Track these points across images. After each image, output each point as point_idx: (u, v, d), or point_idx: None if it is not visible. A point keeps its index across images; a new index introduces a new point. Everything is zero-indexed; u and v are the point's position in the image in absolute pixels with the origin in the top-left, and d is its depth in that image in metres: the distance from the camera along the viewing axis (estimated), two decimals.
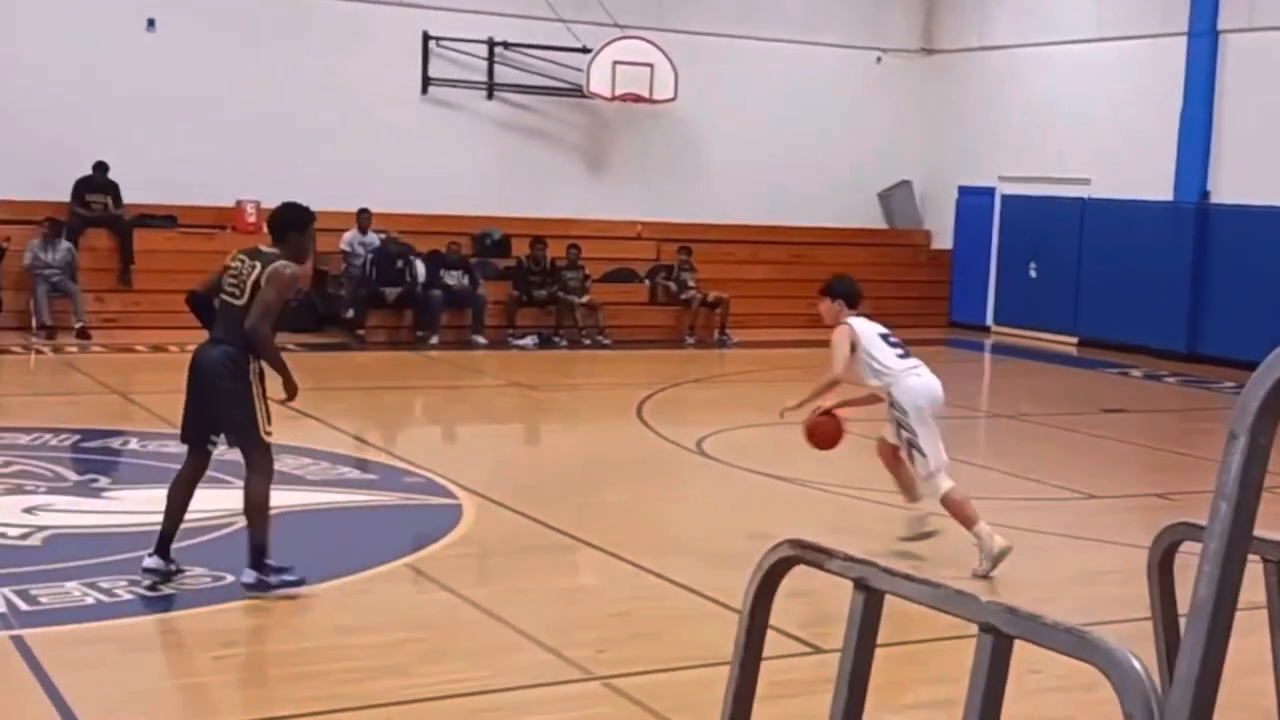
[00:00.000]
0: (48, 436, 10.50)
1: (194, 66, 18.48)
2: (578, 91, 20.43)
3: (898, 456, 8.34)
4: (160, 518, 7.22)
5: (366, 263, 18.21)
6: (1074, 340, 20.40)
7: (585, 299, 19.01)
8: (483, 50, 20.15)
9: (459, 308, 18.40)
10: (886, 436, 8.38)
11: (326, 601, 7.04)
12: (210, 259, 17.77)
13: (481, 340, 18.24)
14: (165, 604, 6.92)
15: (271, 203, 18.57)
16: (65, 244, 16.89)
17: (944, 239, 22.97)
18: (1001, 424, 14.80)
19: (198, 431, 7.17)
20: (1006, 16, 21.79)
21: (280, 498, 8.87)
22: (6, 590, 6.77)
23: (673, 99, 20.51)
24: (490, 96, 20.43)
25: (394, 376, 16.04)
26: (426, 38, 19.81)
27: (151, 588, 6.97)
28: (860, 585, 2.21)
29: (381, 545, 8.20)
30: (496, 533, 8.63)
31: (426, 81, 19.98)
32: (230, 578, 7.08)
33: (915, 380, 8.09)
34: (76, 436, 10.72)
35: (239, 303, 6.99)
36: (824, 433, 8.53)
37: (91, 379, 13.89)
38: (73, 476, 9.38)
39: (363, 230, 18.50)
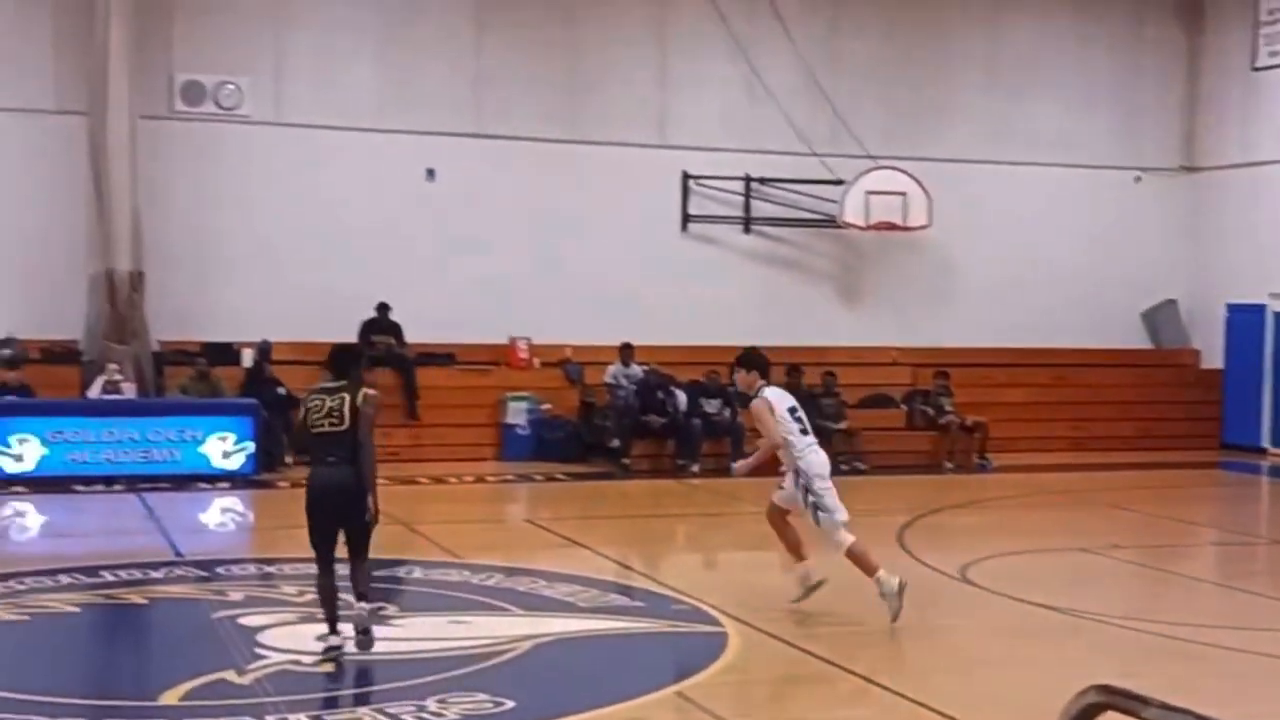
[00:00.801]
0: (338, 567, 11.08)
1: (469, 212, 19.58)
2: (832, 222, 20.76)
3: (785, 520, 9.74)
4: (444, 643, 7.79)
5: (630, 394, 18.78)
6: None
7: (842, 425, 19.11)
8: (739, 187, 20.72)
9: (718, 436, 18.74)
10: (777, 502, 9.74)
11: None
12: (486, 394, 18.93)
13: None
14: None
15: (541, 339, 19.58)
16: None
17: (1213, 358, 22.28)
18: None
19: (330, 537, 8.51)
20: (1270, 131, 21.24)
21: (553, 625, 9.27)
22: (301, 716, 7.14)
23: (926, 225, 20.64)
24: (747, 230, 20.95)
25: (657, 504, 16.39)
26: (686, 177, 20.51)
27: (437, 712, 7.34)
28: None
29: (650, 672, 8.42)
30: (762, 661, 8.74)
31: (686, 219, 20.64)
32: (510, 703, 7.35)
33: (816, 456, 9.56)
34: None
35: (344, 428, 8.36)
36: None
37: (380, 510, 14.61)
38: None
39: (626, 363, 19.12)
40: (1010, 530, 14.30)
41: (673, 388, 18.91)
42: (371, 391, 8.60)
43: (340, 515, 8.43)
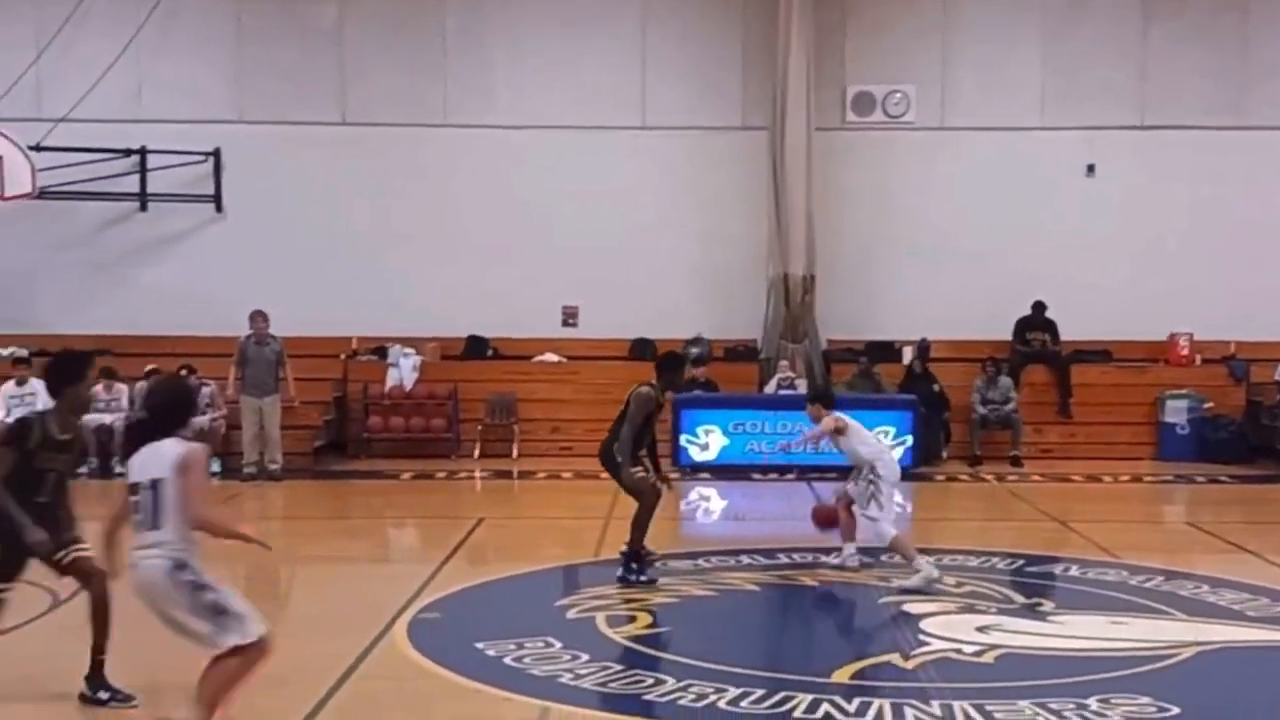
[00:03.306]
0: (995, 560, 11.38)
1: (1128, 206, 19.28)
2: None
3: (850, 511, 10.83)
4: (1104, 643, 8.16)
5: None
6: None
7: None
8: None
9: None
10: (850, 493, 10.80)
11: None
12: (1142, 392, 18.58)
13: None
14: None
15: (1204, 335, 18.95)
16: (1005, 380, 18.19)
17: None
18: None
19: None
20: None
21: (1219, 632, 9.05)
22: (964, 704, 7.29)
23: None
24: None
25: None
26: None
27: None
28: None
29: None
30: None
31: None
32: (1175, 709, 7.25)
33: (892, 457, 11.12)
34: (1020, 561, 11.43)
35: (620, 412, 10.23)
36: (828, 518, 11.10)
37: (1033, 507, 14.84)
38: (1019, 599, 9.96)
39: None
40: None
41: None
42: (642, 390, 10.15)
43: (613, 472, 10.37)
